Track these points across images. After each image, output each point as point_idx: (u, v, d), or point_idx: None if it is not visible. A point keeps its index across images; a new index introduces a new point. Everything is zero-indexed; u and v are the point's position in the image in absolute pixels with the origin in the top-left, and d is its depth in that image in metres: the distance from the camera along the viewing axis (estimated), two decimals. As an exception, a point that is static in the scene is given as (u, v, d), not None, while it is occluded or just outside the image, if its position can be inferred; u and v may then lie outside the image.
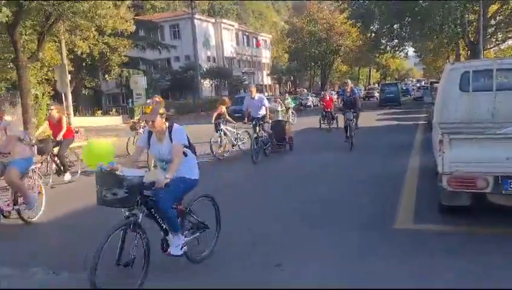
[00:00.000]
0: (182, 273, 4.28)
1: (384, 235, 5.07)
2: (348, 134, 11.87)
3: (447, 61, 38.28)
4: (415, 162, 9.37)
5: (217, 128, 11.62)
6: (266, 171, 10.16)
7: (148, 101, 4.40)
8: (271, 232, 5.40)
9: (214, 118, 11.99)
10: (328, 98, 18.94)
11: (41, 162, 8.93)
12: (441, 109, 6.94)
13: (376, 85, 68.56)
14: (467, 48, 34.19)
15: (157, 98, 4.64)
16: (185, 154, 4.24)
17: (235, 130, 12.20)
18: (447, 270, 4.02)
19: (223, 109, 12.00)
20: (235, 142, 12.15)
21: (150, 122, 4.13)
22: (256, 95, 11.30)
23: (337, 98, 20.30)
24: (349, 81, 13.19)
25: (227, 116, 12.16)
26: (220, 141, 11.71)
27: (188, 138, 4.29)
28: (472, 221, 5.33)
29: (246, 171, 10.12)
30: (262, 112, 11.21)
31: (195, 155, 4.48)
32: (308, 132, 18.16)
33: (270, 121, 12.18)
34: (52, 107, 9.79)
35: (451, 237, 4.88)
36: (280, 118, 15.90)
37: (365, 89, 58.48)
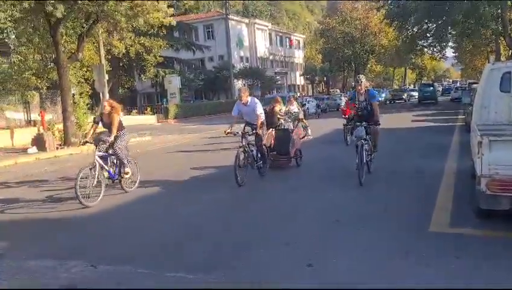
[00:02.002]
0: (204, 271, 4.34)
1: (419, 238, 4.97)
2: (359, 159, 7.69)
3: (487, 61, 37.19)
4: (452, 164, 9.15)
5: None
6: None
7: None
8: (303, 232, 5.41)
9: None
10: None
11: None
12: (480, 110, 6.75)
13: (409, 86, 66.82)
14: (508, 48, 33.07)
15: None
16: None
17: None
18: (480, 276, 3.92)
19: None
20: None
21: None
22: (249, 99, 8.85)
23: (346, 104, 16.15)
24: (363, 78, 8.70)
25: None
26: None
27: None
28: (511, 226, 5.16)
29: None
30: (255, 119, 8.87)
31: None
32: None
33: (271, 131, 10.35)
34: None
35: (489, 242, 4.74)
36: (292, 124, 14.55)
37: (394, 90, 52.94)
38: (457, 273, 3.99)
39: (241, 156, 8.29)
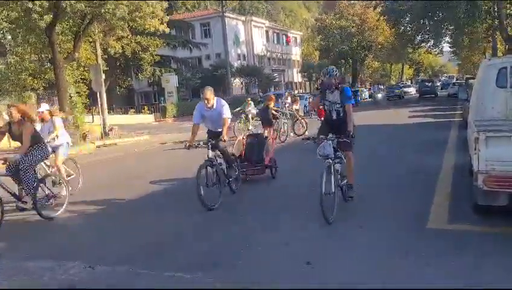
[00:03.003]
0: (204, 272, 4.35)
1: (417, 235, 4.97)
2: (323, 188, 5.39)
3: (484, 56, 37.33)
4: (450, 161, 9.16)
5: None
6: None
7: None
8: (303, 231, 5.41)
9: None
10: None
11: None
12: (477, 106, 6.76)
13: (405, 82, 66.60)
14: (504, 43, 33.13)
15: None
16: None
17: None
18: (480, 273, 3.93)
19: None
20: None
21: None
22: (215, 101, 7.16)
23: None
24: (334, 70, 6.15)
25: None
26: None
27: None
28: (509, 222, 5.17)
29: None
30: (220, 125, 7.24)
31: None
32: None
33: (242, 138, 8.86)
34: None
35: (487, 239, 4.75)
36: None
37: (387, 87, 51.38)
38: (457, 272, 3.99)
39: (209, 172, 6.70)
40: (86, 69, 22.56)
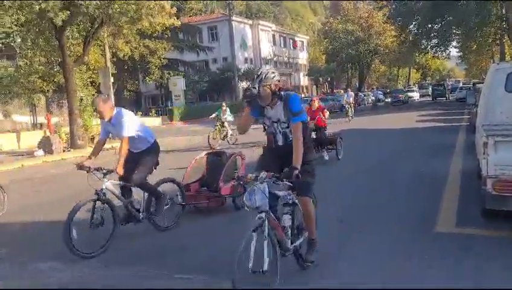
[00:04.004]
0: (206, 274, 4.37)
1: (425, 238, 5.00)
2: (252, 265, 3.33)
3: (491, 60, 37.20)
4: (457, 164, 9.16)
5: None
6: None
7: None
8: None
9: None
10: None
11: None
12: (485, 111, 6.77)
13: (413, 86, 66.30)
14: (512, 47, 33.07)
15: None
16: None
17: None
18: (487, 276, 3.94)
19: None
20: None
21: None
22: (115, 113, 5.41)
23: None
24: (271, 72, 3.98)
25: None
26: None
27: None
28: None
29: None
30: (141, 144, 5.58)
31: None
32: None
33: (203, 157, 6.93)
34: None
35: (493, 241, 4.77)
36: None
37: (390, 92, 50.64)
38: (460, 274, 4.01)
39: (97, 208, 5.05)
40: (94, 72, 22.77)
